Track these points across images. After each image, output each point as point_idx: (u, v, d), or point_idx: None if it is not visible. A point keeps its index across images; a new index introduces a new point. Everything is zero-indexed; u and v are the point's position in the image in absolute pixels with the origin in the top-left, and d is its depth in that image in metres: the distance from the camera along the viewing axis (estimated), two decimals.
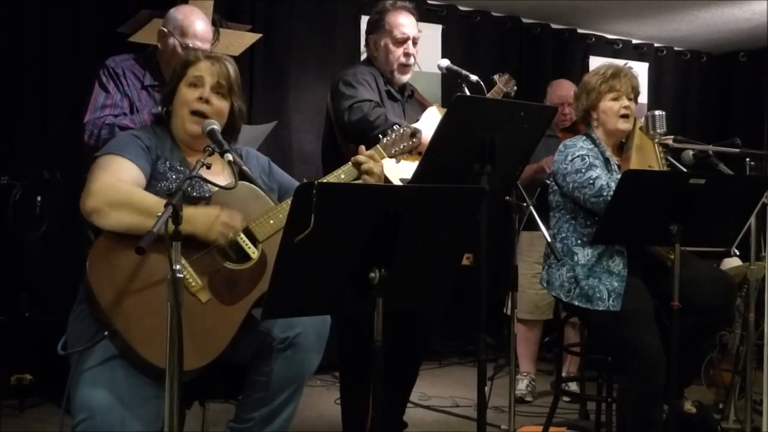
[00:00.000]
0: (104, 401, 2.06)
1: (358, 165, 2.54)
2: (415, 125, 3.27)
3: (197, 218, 2.21)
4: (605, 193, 3.00)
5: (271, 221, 2.37)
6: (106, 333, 2.12)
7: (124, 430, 2.05)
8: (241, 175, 2.33)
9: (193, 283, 2.25)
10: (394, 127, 2.68)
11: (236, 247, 2.34)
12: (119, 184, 2.23)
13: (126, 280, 2.15)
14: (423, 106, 3.50)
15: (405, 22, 3.38)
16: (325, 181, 2.54)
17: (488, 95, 3.52)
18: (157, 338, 2.03)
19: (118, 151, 2.31)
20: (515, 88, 3.71)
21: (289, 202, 2.36)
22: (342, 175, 2.54)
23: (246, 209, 2.37)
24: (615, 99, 3.25)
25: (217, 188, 2.25)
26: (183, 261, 2.19)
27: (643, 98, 6.37)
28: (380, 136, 2.65)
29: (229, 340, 2.25)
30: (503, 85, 3.63)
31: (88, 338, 2.17)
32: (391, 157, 2.62)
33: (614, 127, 3.25)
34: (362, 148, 2.59)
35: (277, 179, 2.66)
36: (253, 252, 2.35)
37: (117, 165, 2.28)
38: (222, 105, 2.46)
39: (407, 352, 3.37)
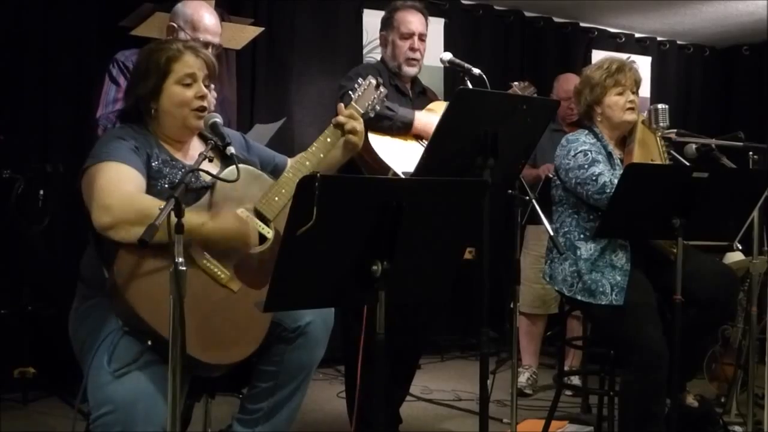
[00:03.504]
0: (129, 395, 2.04)
1: (340, 126, 2.59)
2: (412, 110, 3.34)
3: (225, 230, 2.27)
4: (608, 190, 3.00)
5: (276, 198, 2.40)
6: (149, 342, 2.11)
7: (148, 423, 2.04)
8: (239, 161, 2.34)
9: (222, 275, 2.26)
10: (359, 81, 2.72)
11: (249, 218, 2.36)
12: (135, 197, 2.19)
13: (158, 284, 2.11)
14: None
15: (412, 20, 3.51)
16: (314, 147, 2.55)
17: None
18: (201, 336, 2.11)
19: (114, 158, 2.23)
20: (535, 95, 3.73)
21: (288, 176, 2.43)
22: (328, 138, 2.57)
23: (249, 192, 2.39)
24: (620, 93, 3.25)
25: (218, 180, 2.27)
26: (207, 256, 2.24)
27: (646, 92, 6.36)
28: (349, 93, 2.70)
29: (269, 322, 2.29)
30: (520, 90, 3.65)
31: (105, 335, 2.16)
32: (365, 112, 2.65)
33: (621, 119, 3.25)
34: (341, 106, 2.63)
35: (256, 153, 2.65)
36: (268, 232, 2.37)
37: (121, 173, 2.22)
38: (211, 94, 2.46)
39: (406, 346, 3.38)
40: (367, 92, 2.68)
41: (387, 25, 3.57)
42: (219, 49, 3.13)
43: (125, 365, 2.08)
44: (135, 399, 2.04)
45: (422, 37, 3.52)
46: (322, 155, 2.55)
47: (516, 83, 3.70)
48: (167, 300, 1.98)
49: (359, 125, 2.61)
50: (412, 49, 3.48)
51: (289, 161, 2.67)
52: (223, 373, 2.28)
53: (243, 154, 2.58)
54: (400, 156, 3.20)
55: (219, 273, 2.26)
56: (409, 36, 3.48)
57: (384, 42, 3.58)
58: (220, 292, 2.25)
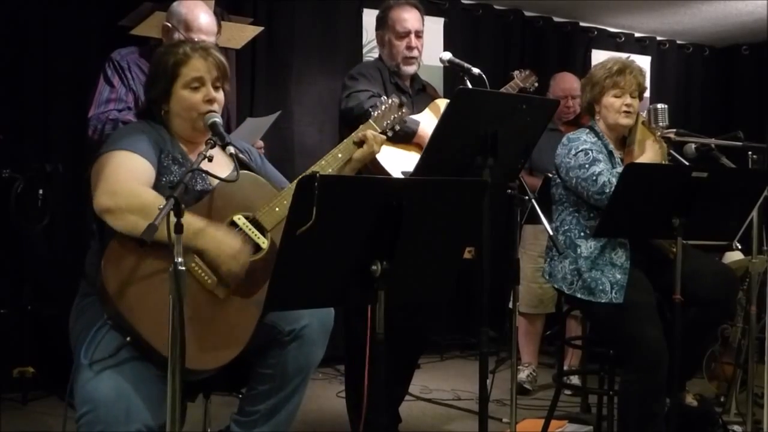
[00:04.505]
0: (110, 393, 2.05)
1: (360, 143, 2.62)
2: (416, 116, 3.31)
3: (222, 244, 2.22)
4: (608, 190, 3.00)
5: (277, 209, 2.38)
6: (128, 338, 2.11)
7: (129, 421, 2.05)
8: (242, 165, 2.33)
9: (209, 281, 2.25)
10: (382, 98, 2.74)
11: (246, 239, 2.34)
12: (139, 190, 2.20)
13: (144, 284, 2.13)
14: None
15: (407, 17, 3.45)
16: (323, 162, 2.56)
17: (503, 89, 3.54)
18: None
19: (128, 147, 2.27)
20: (536, 84, 3.71)
21: (293, 188, 2.39)
22: (339, 153, 2.58)
23: (250, 198, 2.39)
24: (617, 96, 3.24)
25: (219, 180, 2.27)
26: (197, 259, 2.23)
27: (646, 92, 6.36)
28: (370, 110, 2.71)
29: (252, 331, 2.27)
30: (521, 80, 3.64)
31: (95, 330, 2.17)
32: (383, 131, 2.67)
33: (615, 122, 3.25)
34: (361, 127, 2.67)
35: (269, 173, 2.66)
36: (263, 242, 2.35)
37: (131, 162, 2.25)
38: (221, 96, 2.45)
39: (406, 345, 3.38)
40: (389, 111, 2.68)
41: (382, 24, 3.51)
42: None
43: (102, 359, 2.09)
44: (115, 397, 2.05)
45: (419, 34, 3.46)
46: (331, 170, 2.55)
47: (517, 72, 3.70)
48: (151, 300, 2.00)
49: (377, 147, 2.64)
50: (409, 47, 3.43)
51: None
52: (203, 378, 2.26)
53: (254, 167, 2.57)
54: (404, 166, 3.17)
55: (206, 278, 2.25)
56: (406, 35, 3.43)
57: (380, 41, 3.53)
58: (205, 297, 2.24)
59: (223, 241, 2.22)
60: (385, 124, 2.69)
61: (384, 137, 2.68)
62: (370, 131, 2.64)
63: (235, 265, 2.23)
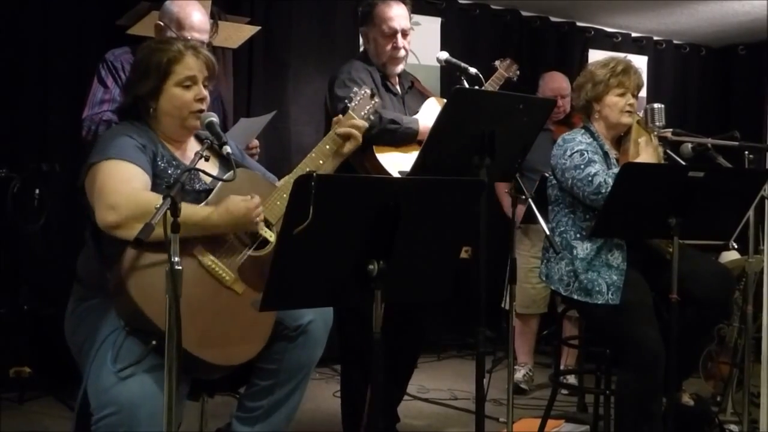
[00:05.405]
0: (134, 396, 2.05)
1: (346, 136, 2.64)
2: (415, 117, 3.30)
3: (231, 212, 2.25)
4: (603, 190, 2.99)
5: (278, 203, 2.41)
6: (154, 342, 2.10)
7: (153, 423, 2.04)
8: (235, 162, 2.34)
9: (227, 277, 2.27)
10: (354, 89, 2.75)
11: (253, 234, 2.36)
12: (140, 195, 2.19)
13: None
14: (424, 97, 3.50)
15: (393, 15, 3.33)
16: (313, 154, 2.58)
17: (489, 81, 3.52)
18: (207, 337, 2.13)
19: (120, 156, 2.24)
20: (518, 72, 3.69)
21: (290, 180, 2.42)
22: (327, 146, 2.62)
23: (250, 194, 2.37)
24: (621, 95, 3.24)
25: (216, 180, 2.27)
26: (212, 257, 2.26)
27: (643, 91, 6.33)
28: (346, 102, 2.72)
29: (272, 324, 2.31)
30: (504, 70, 3.61)
31: (106, 335, 2.17)
32: (363, 119, 2.70)
33: (617, 121, 3.25)
34: (339, 117, 2.68)
35: (250, 166, 2.66)
36: (270, 235, 2.37)
37: (127, 172, 2.23)
38: (208, 95, 2.45)
39: (405, 346, 3.38)
40: (363, 101, 2.72)
41: (367, 20, 3.37)
42: (208, 47, 3.11)
43: (129, 365, 2.08)
44: (140, 401, 2.05)
45: (405, 33, 3.33)
46: (321, 162, 2.57)
47: (498, 62, 3.66)
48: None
49: (360, 135, 2.66)
50: (395, 48, 3.32)
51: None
52: (223, 375, 2.28)
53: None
54: (404, 166, 3.15)
55: (223, 274, 2.27)
56: (392, 35, 3.31)
57: (365, 37, 3.41)
58: (225, 293, 2.26)
59: (230, 209, 2.25)
60: (362, 114, 2.71)
61: (365, 123, 2.69)
62: (352, 121, 2.65)
63: (252, 221, 2.27)
